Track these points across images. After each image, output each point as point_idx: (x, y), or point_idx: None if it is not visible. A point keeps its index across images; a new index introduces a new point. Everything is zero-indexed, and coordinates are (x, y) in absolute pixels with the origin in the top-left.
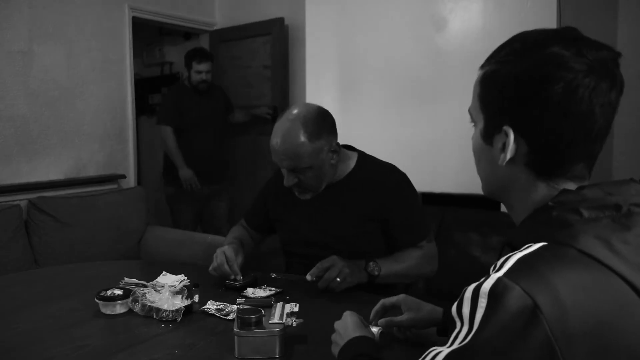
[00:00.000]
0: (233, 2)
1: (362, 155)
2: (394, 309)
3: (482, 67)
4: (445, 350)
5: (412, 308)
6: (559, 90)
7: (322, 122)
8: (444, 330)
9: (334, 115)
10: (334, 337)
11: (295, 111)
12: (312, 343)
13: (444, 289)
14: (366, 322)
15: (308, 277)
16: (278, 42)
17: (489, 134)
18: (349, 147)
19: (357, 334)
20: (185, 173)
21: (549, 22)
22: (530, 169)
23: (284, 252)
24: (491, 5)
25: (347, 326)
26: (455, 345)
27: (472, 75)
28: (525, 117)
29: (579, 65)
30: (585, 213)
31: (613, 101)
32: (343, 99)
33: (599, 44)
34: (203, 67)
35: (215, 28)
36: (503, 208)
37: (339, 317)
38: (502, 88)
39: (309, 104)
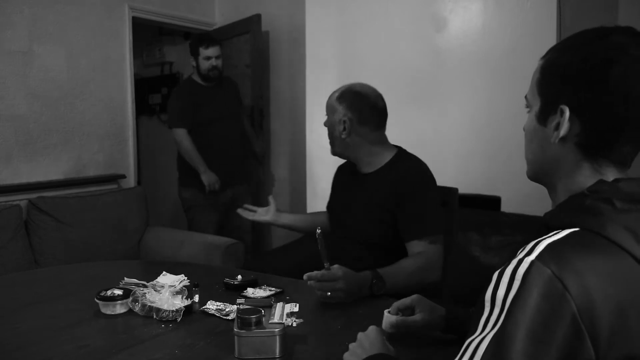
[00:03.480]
0: (233, 2)
1: (401, 151)
2: (407, 310)
3: (543, 57)
4: (485, 338)
5: (425, 309)
6: (617, 73)
7: (354, 97)
8: (447, 329)
9: None
10: (353, 346)
11: (363, 83)
12: (312, 343)
13: (444, 289)
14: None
15: (309, 283)
16: (257, 40)
17: (544, 115)
18: (398, 147)
19: (384, 351)
20: (210, 177)
21: (549, 22)
22: (578, 148)
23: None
24: (491, 5)
25: (372, 341)
26: (489, 329)
27: (472, 75)
28: (582, 97)
29: (638, 52)
30: (618, 204)
31: None
32: None
33: None
34: (212, 51)
35: (215, 28)
36: (503, 208)
37: (339, 317)
38: (563, 72)
39: (372, 87)
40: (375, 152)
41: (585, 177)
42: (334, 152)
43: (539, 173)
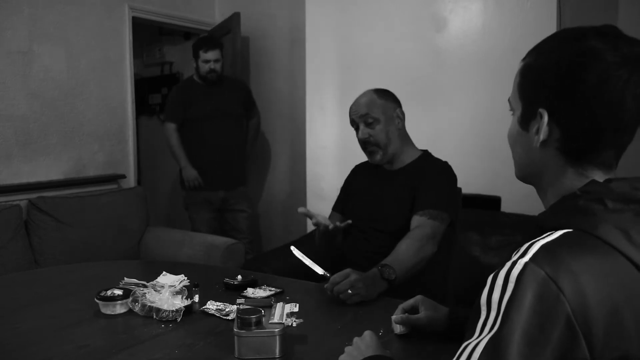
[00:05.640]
0: (233, 2)
1: (426, 152)
2: (412, 311)
3: (524, 59)
4: (481, 342)
5: (429, 308)
6: (592, 79)
7: (388, 92)
8: (450, 327)
9: (333, 115)
10: (349, 349)
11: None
12: (312, 343)
13: (444, 289)
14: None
15: (326, 287)
16: (236, 39)
17: (525, 120)
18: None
19: (379, 353)
20: (189, 173)
21: (549, 22)
22: (561, 153)
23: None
24: (491, 5)
25: (368, 343)
26: (486, 333)
27: (472, 75)
28: (560, 104)
29: (613, 57)
30: (610, 204)
31: None
32: (343, 99)
33: (634, 40)
34: (210, 55)
35: (212, 29)
36: (503, 208)
37: (339, 318)
38: (540, 76)
39: None
40: (410, 146)
41: (572, 181)
42: (385, 154)
43: (525, 175)
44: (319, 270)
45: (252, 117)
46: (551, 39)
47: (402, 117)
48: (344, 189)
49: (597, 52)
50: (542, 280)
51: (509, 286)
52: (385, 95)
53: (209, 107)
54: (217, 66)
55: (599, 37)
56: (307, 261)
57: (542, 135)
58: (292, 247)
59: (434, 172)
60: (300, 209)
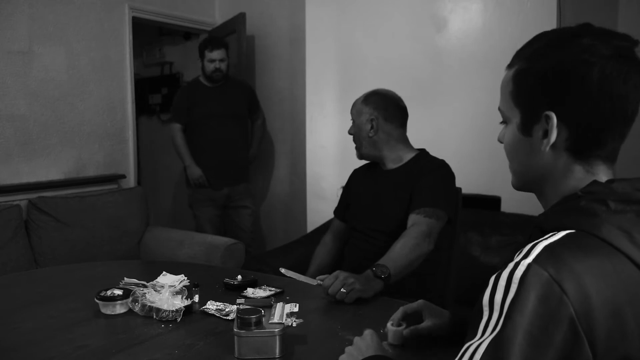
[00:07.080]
0: (233, 2)
1: (422, 152)
2: (415, 315)
3: (511, 65)
4: (483, 343)
5: (434, 314)
6: (596, 75)
7: (379, 98)
8: (453, 330)
9: (333, 115)
10: (349, 349)
11: (383, 88)
12: (312, 343)
13: (445, 288)
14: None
15: (322, 286)
16: (241, 39)
17: (527, 126)
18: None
19: (380, 353)
20: (193, 171)
21: (549, 22)
22: (569, 152)
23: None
24: (491, 5)
25: (369, 343)
26: (488, 334)
27: (472, 75)
28: (566, 104)
29: (608, 52)
30: (612, 205)
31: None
32: (343, 99)
33: (620, 33)
34: (216, 54)
35: (213, 28)
36: (503, 208)
37: (339, 317)
38: (540, 79)
39: (390, 90)
40: (400, 148)
41: (578, 180)
42: (361, 155)
43: (528, 182)
44: (313, 282)
45: (257, 119)
46: (537, 42)
47: (376, 124)
48: (344, 195)
49: (594, 49)
50: (545, 282)
51: (512, 287)
52: (370, 99)
53: (213, 107)
54: (223, 65)
55: (589, 34)
56: (300, 277)
57: (553, 137)
58: (282, 269)
59: (429, 170)
60: (282, 270)
